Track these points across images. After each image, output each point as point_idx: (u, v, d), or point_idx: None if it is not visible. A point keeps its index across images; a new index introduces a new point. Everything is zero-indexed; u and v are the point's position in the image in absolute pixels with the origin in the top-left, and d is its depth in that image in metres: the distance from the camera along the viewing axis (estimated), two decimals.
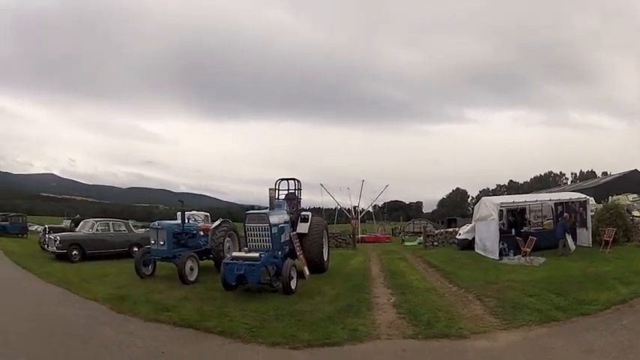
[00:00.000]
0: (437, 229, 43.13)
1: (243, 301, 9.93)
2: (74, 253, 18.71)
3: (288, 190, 15.79)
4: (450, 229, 35.01)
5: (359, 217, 55.51)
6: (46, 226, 26.27)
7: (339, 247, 31.09)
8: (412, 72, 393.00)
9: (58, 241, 18.67)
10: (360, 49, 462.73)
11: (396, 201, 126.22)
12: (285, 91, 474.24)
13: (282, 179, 15.83)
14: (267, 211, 12.73)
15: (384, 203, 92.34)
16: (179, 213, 15.18)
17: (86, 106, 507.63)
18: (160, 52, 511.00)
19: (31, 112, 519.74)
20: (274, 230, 12.14)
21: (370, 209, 63.87)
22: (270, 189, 13.81)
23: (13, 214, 42.57)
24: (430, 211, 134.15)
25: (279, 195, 15.17)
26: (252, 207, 17.76)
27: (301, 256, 13.74)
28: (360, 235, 43.59)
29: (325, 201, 55.00)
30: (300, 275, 12.24)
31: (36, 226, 43.95)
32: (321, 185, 53.64)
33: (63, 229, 24.95)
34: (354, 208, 54.93)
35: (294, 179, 15.89)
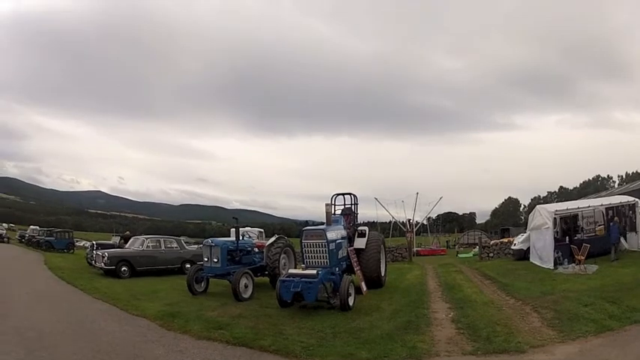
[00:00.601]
0: (491, 240, 43.14)
1: (299, 319, 9.95)
2: (123, 269, 19.09)
3: (345, 205, 15.83)
4: (505, 240, 35.09)
5: (414, 230, 55.54)
6: (94, 242, 26.97)
7: (396, 262, 31.83)
8: (458, 79, 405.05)
9: (105, 257, 19.02)
10: (405, 58, 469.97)
11: (450, 212, 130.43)
12: (335, 106, 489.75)
13: (338, 194, 15.91)
14: (324, 227, 12.80)
15: (438, 215, 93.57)
16: (232, 229, 15.35)
17: (135, 125, 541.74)
18: (209, 71, 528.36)
19: (78, 132, 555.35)
20: (332, 246, 12.21)
21: (424, 222, 64.22)
22: (326, 204, 13.88)
23: (59, 229, 44.14)
24: (483, 221, 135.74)
25: (335, 210, 15.26)
26: (306, 222, 17.90)
27: (359, 271, 13.76)
28: (415, 249, 43.93)
29: (380, 215, 55.59)
30: (358, 291, 12.25)
31: (83, 242, 45.35)
32: (376, 199, 54.59)
33: (111, 245, 25.52)
34: (409, 221, 55.00)
35: (350, 194, 15.92)
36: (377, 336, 8.29)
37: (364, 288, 13.44)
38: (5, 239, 46.59)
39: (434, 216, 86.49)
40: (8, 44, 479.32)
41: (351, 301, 11.03)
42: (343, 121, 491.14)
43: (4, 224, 74.69)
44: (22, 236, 51.61)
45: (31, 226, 55.23)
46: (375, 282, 14.62)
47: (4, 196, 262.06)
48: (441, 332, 8.67)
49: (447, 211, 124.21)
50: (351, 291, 11.25)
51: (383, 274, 15.64)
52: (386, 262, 16.70)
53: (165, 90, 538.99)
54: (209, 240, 15.00)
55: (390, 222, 60.94)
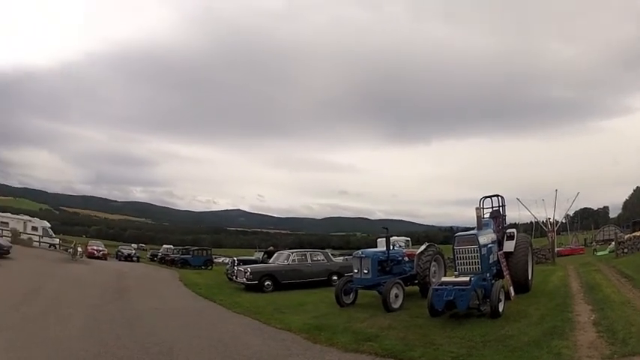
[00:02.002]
0: (625, 235, 41.70)
1: (450, 328, 10.21)
2: (267, 283, 20.36)
3: (492, 207, 16.08)
4: (638, 233, 34.01)
5: (555, 229, 54.13)
6: (234, 258, 28.90)
7: (539, 263, 31.64)
8: (575, 67, 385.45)
9: (248, 273, 20.35)
10: (520, 51, 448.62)
11: (585, 208, 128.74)
12: (462, 108, 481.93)
13: (486, 197, 16.18)
14: (475, 231, 13.07)
15: (575, 212, 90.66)
16: (379, 240, 16.18)
17: (271, 145, 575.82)
18: (335, 86, 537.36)
19: (212, 156, 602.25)
20: (483, 251, 12.53)
21: (563, 220, 62.30)
22: (476, 208, 14.13)
23: (196, 247, 48.11)
24: (615, 215, 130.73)
25: (484, 214, 15.37)
26: (451, 229, 18.54)
27: (507, 276, 13.90)
28: (556, 249, 43.43)
29: (521, 216, 55.07)
30: (506, 296, 12.39)
31: (222, 258, 49.02)
32: (518, 200, 53.93)
33: (253, 261, 27.34)
34: (548, 220, 53.74)
35: (497, 196, 16.13)
36: (524, 343, 8.57)
37: (512, 293, 13.53)
38: (135, 258, 50.53)
39: (571, 213, 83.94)
40: (141, 81, 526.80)
41: (501, 308, 11.20)
42: (473, 122, 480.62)
43: (132, 245, 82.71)
44: (153, 255, 56.53)
45: (164, 245, 60.41)
46: (522, 286, 14.61)
47: (133, 218, 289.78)
48: (583, 336, 8.82)
49: (582, 207, 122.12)
50: (502, 297, 11.42)
51: (530, 278, 15.60)
52: (533, 264, 16.62)
53: (296, 109, 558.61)
54: (359, 251, 15.56)
55: (532, 222, 59.77)
